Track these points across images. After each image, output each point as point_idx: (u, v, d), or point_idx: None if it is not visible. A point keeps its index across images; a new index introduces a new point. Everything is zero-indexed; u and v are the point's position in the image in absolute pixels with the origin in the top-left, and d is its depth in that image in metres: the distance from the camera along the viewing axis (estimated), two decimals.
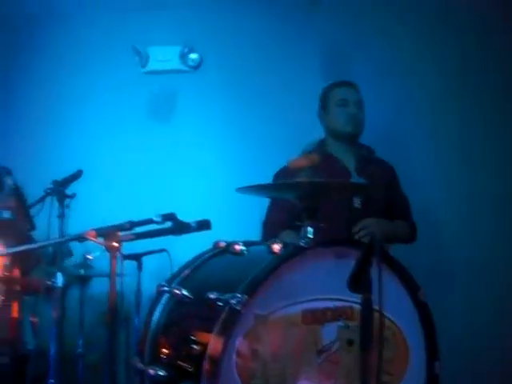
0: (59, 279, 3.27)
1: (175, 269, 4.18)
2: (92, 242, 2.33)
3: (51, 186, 3.38)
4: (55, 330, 3.50)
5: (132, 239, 2.39)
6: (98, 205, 4.18)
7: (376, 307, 1.86)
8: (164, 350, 2.50)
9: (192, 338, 2.32)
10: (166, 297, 2.59)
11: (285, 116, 4.50)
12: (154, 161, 4.56)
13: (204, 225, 2.45)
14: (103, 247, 2.36)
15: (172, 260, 3.89)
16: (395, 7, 4.44)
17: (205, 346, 2.22)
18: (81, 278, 3.87)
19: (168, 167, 4.58)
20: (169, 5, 4.60)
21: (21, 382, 3.50)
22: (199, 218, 2.61)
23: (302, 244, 2.35)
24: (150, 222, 2.41)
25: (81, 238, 2.33)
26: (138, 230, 2.47)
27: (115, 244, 2.36)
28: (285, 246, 2.35)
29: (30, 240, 3.70)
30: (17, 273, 3.07)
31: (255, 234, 3.55)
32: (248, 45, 4.67)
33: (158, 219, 2.40)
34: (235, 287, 2.19)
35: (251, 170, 4.28)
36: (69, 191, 3.45)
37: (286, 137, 4.38)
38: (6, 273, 3.01)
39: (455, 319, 3.98)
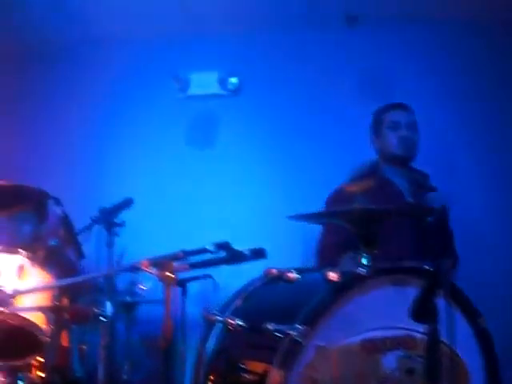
0: (108, 308, 3.26)
1: (220, 294, 4.25)
2: (145, 272, 2.31)
3: (98, 214, 3.38)
4: (103, 357, 3.48)
5: (186, 269, 2.37)
6: (144, 233, 4.17)
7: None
8: (218, 380, 2.47)
9: (247, 368, 2.29)
10: (219, 326, 2.55)
11: (327, 139, 4.48)
12: (197, 187, 4.54)
13: (259, 253, 2.42)
14: (156, 277, 2.34)
15: (216, 285, 3.87)
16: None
17: (261, 376, 2.18)
18: (127, 305, 3.86)
19: (211, 194, 4.54)
20: (207, 31, 4.62)
21: None
22: (253, 247, 2.57)
23: (360, 272, 2.30)
24: (203, 251, 2.38)
25: (134, 269, 2.31)
26: (192, 259, 2.45)
27: (169, 274, 2.34)
28: (342, 274, 2.31)
29: (78, 269, 3.71)
30: (65, 302, 3.06)
31: (298, 261, 3.53)
32: (286, 67, 4.67)
33: (212, 248, 2.38)
34: (293, 317, 2.16)
35: (299, 195, 4.27)
36: (117, 219, 3.44)
37: (330, 160, 4.36)
38: (55, 302, 2.99)
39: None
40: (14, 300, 2.55)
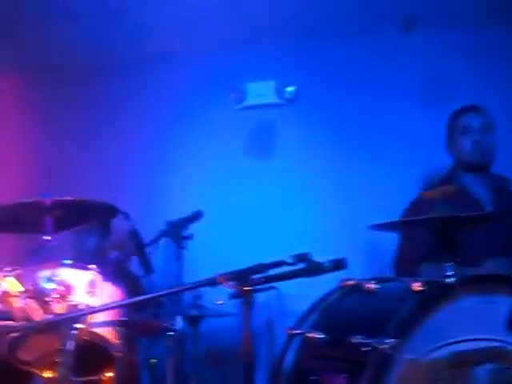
0: (179, 322, 3.23)
1: (285, 305, 4.19)
2: (224, 286, 2.26)
3: (165, 227, 3.36)
4: (172, 371, 3.47)
5: (264, 282, 2.32)
6: (211, 246, 4.15)
7: None
8: None
9: (328, 382, 2.22)
10: (297, 340, 2.49)
11: (391, 146, 4.40)
12: (258, 198, 4.54)
13: (339, 265, 2.35)
14: (234, 291, 2.29)
15: (281, 296, 3.82)
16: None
17: None
18: (193, 319, 3.84)
19: (272, 204, 4.53)
20: (263, 41, 4.59)
21: None
22: (332, 258, 2.50)
23: (446, 281, 2.22)
24: (281, 263, 2.32)
25: (212, 283, 2.27)
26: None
27: (247, 288, 2.28)
28: (427, 283, 2.23)
29: (142, 283, 3.71)
30: (135, 316, 3.04)
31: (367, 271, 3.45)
32: (343, 74, 4.61)
33: (291, 260, 2.32)
34: (380, 330, 2.08)
35: (364, 204, 4.20)
36: (185, 232, 3.41)
37: (392, 168, 4.28)
38: (125, 316, 2.97)
39: None
40: (88, 316, 2.52)
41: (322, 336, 2.33)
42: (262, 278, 2.28)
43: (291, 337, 2.51)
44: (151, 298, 2.50)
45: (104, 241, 3.93)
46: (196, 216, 3.44)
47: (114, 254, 3.75)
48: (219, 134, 4.72)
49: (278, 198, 4.50)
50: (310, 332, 2.39)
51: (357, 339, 2.13)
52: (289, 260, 2.29)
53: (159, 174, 4.72)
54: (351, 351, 2.15)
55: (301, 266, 2.34)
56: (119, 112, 4.80)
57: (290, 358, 2.48)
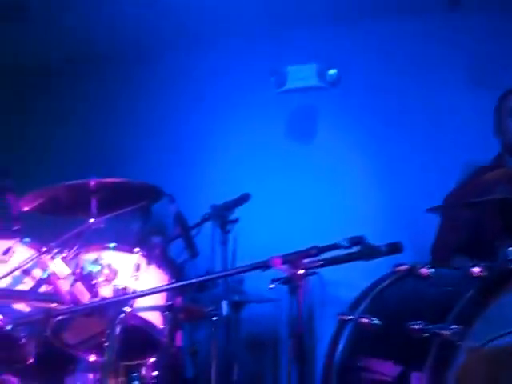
0: (224, 307, 3.17)
1: (327, 290, 4.11)
2: (277, 269, 2.19)
3: (210, 211, 3.30)
4: (215, 357, 3.42)
5: (318, 266, 2.24)
6: (256, 230, 4.08)
7: None
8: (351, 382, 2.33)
9: (382, 369, 2.14)
10: (349, 327, 2.41)
11: (436, 129, 4.28)
12: (300, 182, 4.49)
13: (395, 248, 2.26)
14: (288, 275, 2.22)
15: (323, 281, 3.76)
16: None
17: (399, 378, 2.03)
18: (236, 304, 3.79)
19: (313, 189, 4.48)
20: (304, 23, 4.50)
21: None
22: (387, 242, 2.41)
23: (509, 266, 2.12)
24: (336, 247, 2.25)
25: (265, 266, 2.20)
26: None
27: (301, 272, 2.21)
28: (487, 269, 2.13)
29: (183, 266, 3.66)
30: (179, 301, 2.98)
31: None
32: (386, 56, 4.50)
33: (345, 243, 2.24)
34: (442, 316, 1.99)
35: (408, 186, 4.09)
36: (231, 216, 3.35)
37: (438, 151, 4.16)
38: (170, 301, 2.92)
39: None
40: (134, 300, 2.47)
41: (377, 322, 2.24)
42: (316, 261, 2.20)
43: (343, 323, 2.43)
44: (199, 282, 2.42)
45: (147, 224, 3.89)
46: (243, 199, 3.37)
47: (157, 239, 3.70)
48: (261, 118, 4.67)
49: (320, 182, 4.45)
50: (363, 317, 2.29)
51: (416, 325, 2.04)
52: (343, 243, 2.21)
53: (203, 158, 4.70)
54: (409, 338, 2.06)
55: (355, 249, 2.26)
56: (163, 98, 4.79)
57: (341, 345, 2.40)
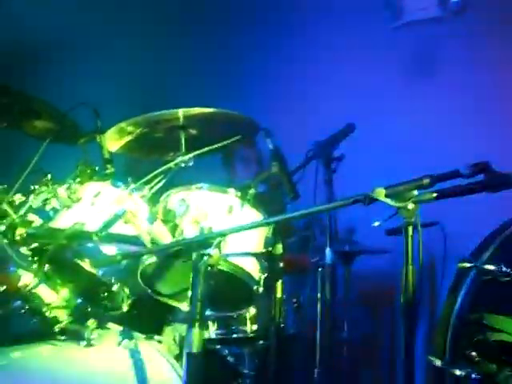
0: (328, 256, 2.86)
1: (450, 243, 3.69)
2: (383, 202, 1.83)
3: (313, 148, 2.97)
4: (321, 313, 3.13)
5: (433, 199, 1.85)
6: (363, 169, 3.75)
7: None
8: (475, 344, 1.95)
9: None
10: (471, 277, 2.02)
11: None
12: (417, 120, 4.12)
13: None
14: (396, 209, 1.85)
15: (446, 233, 3.36)
16: None
17: None
18: (346, 255, 3.48)
19: (431, 126, 4.10)
20: None
21: (285, 369, 3.17)
22: None
23: None
24: (455, 175, 1.84)
25: (367, 199, 1.83)
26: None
27: (411, 206, 1.84)
28: None
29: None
30: (280, 249, 2.68)
31: None
32: None
33: (467, 171, 1.83)
34: None
35: None
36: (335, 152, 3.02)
37: None
38: (268, 248, 2.63)
39: None
40: (223, 242, 2.18)
41: (506, 270, 1.83)
42: (431, 193, 1.81)
43: (463, 272, 2.03)
44: (293, 218, 2.10)
45: (248, 163, 3.66)
46: (348, 129, 3.02)
47: (261, 187, 3.44)
48: (374, 56, 4.35)
49: (440, 123, 4.06)
50: (489, 265, 1.89)
51: None
52: (464, 171, 1.81)
53: (311, 94, 4.41)
54: None
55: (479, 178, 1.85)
56: (268, 28, 4.60)
57: (460, 298, 2.01)
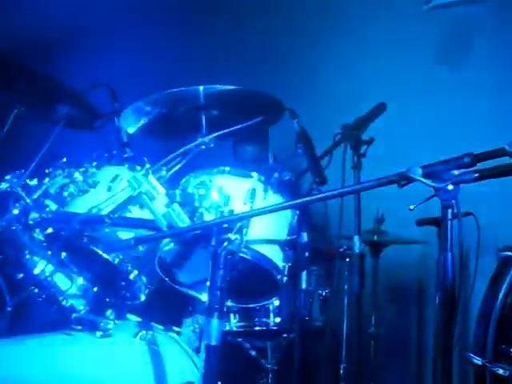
0: (356, 244, 2.72)
1: (484, 235, 3.52)
2: (421, 182, 1.67)
3: (341, 131, 2.83)
4: (348, 306, 3.00)
5: (472, 180, 1.69)
6: (393, 153, 3.61)
7: None
8: None
9: None
10: None
11: None
12: (452, 111, 3.99)
13: None
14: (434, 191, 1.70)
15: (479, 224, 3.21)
16: None
17: None
18: (374, 246, 3.34)
19: (468, 118, 3.94)
20: None
21: (309, 364, 3.04)
22: None
23: None
24: (499, 153, 1.68)
25: (402, 178, 1.68)
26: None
27: (451, 187, 1.68)
28: None
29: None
30: (305, 237, 2.55)
31: None
32: None
33: None
34: None
35: None
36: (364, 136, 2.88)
37: None
38: (293, 236, 2.49)
39: None
40: (243, 228, 2.04)
41: None
42: (472, 172, 1.65)
43: (506, 261, 1.87)
44: (321, 199, 1.96)
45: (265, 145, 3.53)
46: (379, 109, 2.88)
47: (277, 162, 3.31)
48: (406, 40, 4.22)
49: (474, 108, 3.92)
50: None
51: None
52: (510, 148, 1.65)
53: (339, 76, 4.31)
54: None
55: None
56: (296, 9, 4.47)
57: (504, 289, 1.85)
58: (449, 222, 1.67)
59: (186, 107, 2.59)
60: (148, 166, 2.25)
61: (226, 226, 1.94)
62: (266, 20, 4.54)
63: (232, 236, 1.97)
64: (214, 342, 1.88)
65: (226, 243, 1.96)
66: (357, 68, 4.29)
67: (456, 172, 1.68)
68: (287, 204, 2.18)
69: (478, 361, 1.86)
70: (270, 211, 2.01)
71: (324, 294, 3.20)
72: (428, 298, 3.91)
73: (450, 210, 1.67)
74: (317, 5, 4.47)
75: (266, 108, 2.57)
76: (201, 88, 2.46)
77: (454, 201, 1.65)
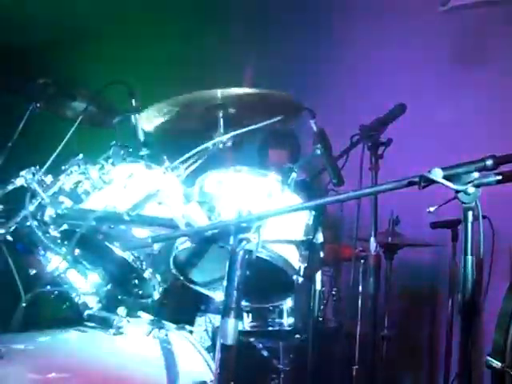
0: (372, 246, 2.71)
1: (498, 238, 3.51)
2: (442, 185, 1.66)
3: (358, 132, 2.82)
4: (363, 307, 2.99)
5: (494, 183, 1.67)
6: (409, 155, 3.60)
7: None
8: None
9: None
10: None
11: None
12: (468, 112, 3.99)
13: None
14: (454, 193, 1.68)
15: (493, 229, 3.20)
16: None
17: None
18: (388, 247, 3.33)
19: (483, 118, 3.96)
20: None
21: (322, 365, 3.03)
22: None
23: None
24: None
25: (422, 180, 1.66)
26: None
27: (472, 189, 1.66)
28: None
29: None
30: (320, 237, 2.53)
31: None
32: None
33: None
34: None
35: None
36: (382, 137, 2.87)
37: None
38: (309, 236, 2.47)
39: None
40: (261, 228, 2.03)
41: None
42: (491, 175, 1.64)
43: None
44: (338, 201, 1.94)
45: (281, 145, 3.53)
46: (398, 110, 2.86)
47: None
48: (422, 41, 4.22)
49: (491, 110, 3.93)
50: None
51: None
52: None
53: (358, 77, 4.30)
54: None
55: None
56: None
57: None
58: (469, 224, 1.64)
59: (203, 108, 2.58)
60: (167, 164, 2.24)
61: (244, 225, 1.93)
62: (284, 22, 4.53)
63: (250, 235, 1.96)
64: (229, 342, 1.86)
65: (244, 242, 1.94)
66: (373, 68, 4.27)
67: (477, 174, 1.66)
68: (305, 205, 2.15)
69: (497, 365, 1.83)
70: (288, 212, 1.99)
71: (338, 294, 3.18)
72: (441, 301, 3.89)
73: (470, 213, 1.65)
74: (333, 4, 4.46)
75: (283, 108, 2.55)
76: (219, 91, 2.46)
77: (474, 204, 1.63)
